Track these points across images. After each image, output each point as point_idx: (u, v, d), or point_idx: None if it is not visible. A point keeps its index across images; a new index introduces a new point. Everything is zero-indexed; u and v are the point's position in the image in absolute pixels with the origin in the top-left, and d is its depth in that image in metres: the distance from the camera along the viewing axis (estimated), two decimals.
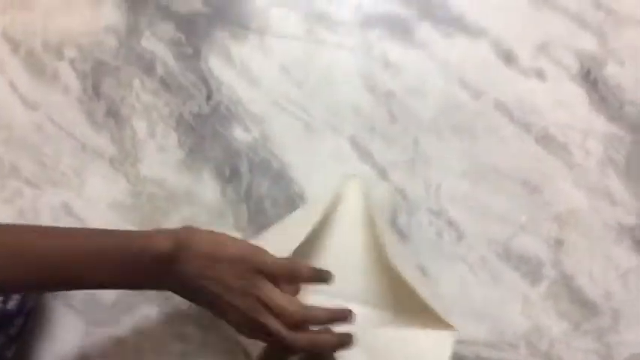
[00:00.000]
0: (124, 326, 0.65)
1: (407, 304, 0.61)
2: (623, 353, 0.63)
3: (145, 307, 0.65)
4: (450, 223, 0.66)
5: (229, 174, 0.68)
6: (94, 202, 0.68)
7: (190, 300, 0.54)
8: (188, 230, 0.53)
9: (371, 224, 0.63)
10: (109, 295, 0.65)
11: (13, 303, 0.58)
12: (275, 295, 0.52)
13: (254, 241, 0.56)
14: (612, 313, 0.63)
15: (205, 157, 0.69)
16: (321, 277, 0.54)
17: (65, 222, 0.68)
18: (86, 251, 0.50)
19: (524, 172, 0.67)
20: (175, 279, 0.52)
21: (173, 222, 0.67)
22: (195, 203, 0.68)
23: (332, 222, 0.64)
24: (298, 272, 0.54)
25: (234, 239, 0.54)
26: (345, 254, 0.64)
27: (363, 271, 0.64)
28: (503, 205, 0.66)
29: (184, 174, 0.69)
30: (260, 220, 0.67)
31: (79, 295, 0.65)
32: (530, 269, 0.64)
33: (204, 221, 0.67)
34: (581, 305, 0.63)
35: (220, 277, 0.51)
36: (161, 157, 0.69)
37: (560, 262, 0.65)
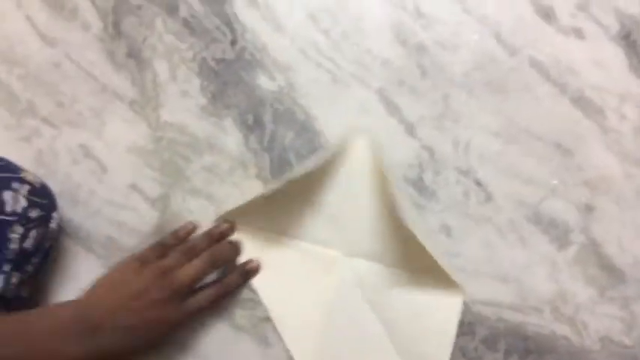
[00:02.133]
0: None
1: (415, 262, 0.61)
2: None
3: None
4: (478, 183, 0.64)
5: (252, 122, 0.66)
6: (114, 145, 0.67)
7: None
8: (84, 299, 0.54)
9: (381, 180, 0.62)
10: (128, 239, 0.64)
11: (30, 242, 0.56)
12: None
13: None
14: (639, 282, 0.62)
15: (228, 104, 0.67)
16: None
17: (85, 164, 0.66)
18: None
19: (557, 134, 0.64)
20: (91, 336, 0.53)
21: (194, 169, 0.66)
22: (216, 151, 0.66)
23: (341, 173, 0.63)
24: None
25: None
26: (351, 208, 0.63)
27: (370, 227, 0.63)
28: (534, 168, 0.64)
29: (206, 121, 0.67)
30: (283, 172, 0.65)
31: (99, 239, 0.64)
32: (558, 234, 0.63)
33: (225, 170, 0.66)
34: (608, 272, 0.62)
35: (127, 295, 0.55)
36: (183, 103, 0.67)
37: (589, 228, 0.63)
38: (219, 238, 0.62)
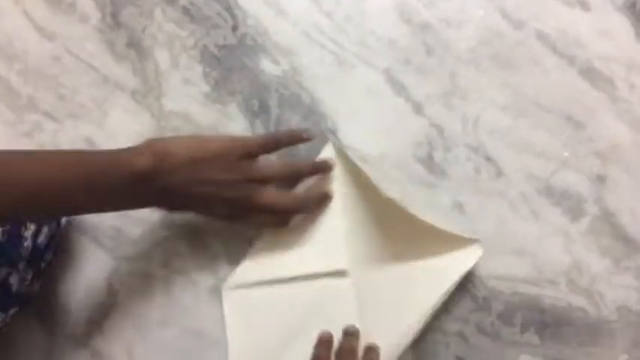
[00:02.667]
0: (152, 261, 0.63)
1: (425, 243, 0.60)
2: None
3: (174, 243, 0.63)
4: (489, 159, 0.64)
5: (258, 108, 0.66)
6: (117, 136, 0.66)
7: (181, 209, 0.56)
8: (163, 141, 0.52)
9: (357, 181, 0.61)
10: (135, 230, 0.63)
11: (42, 237, 0.56)
12: (264, 170, 0.57)
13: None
14: None
15: (232, 91, 0.66)
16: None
17: None
18: (71, 179, 0.48)
19: (566, 106, 0.64)
20: (162, 193, 0.52)
21: None
22: None
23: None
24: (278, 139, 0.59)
25: (213, 135, 0.55)
26: (359, 218, 0.62)
27: (379, 231, 0.62)
28: (544, 140, 0.64)
29: (210, 108, 0.66)
30: (291, 156, 0.64)
31: (106, 231, 0.63)
32: (571, 205, 0.62)
33: None
34: (622, 242, 0.62)
35: (209, 177, 0.52)
36: (185, 90, 0.66)
37: (602, 198, 0.63)
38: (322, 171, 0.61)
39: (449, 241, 0.59)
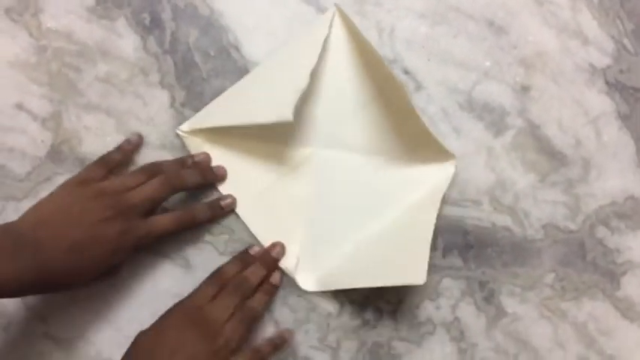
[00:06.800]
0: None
1: (407, 138, 0.56)
2: (591, 205, 0.58)
3: (65, 177, 0.57)
4: (407, 72, 0.58)
5: (149, 22, 0.58)
6: None
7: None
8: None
9: (361, 52, 0.56)
10: (21, 166, 0.57)
11: None
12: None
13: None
14: (582, 163, 0.58)
15: (119, 3, 0.59)
16: None
17: None
18: None
19: (488, 11, 0.59)
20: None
21: (88, 81, 0.58)
22: (111, 58, 0.58)
23: (320, 62, 0.55)
24: None
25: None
26: (340, 96, 0.57)
27: (361, 115, 0.57)
28: (465, 50, 0.58)
29: (96, 24, 0.58)
30: (191, 76, 0.57)
31: None
32: (494, 119, 0.58)
33: (124, 79, 0.58)
34: (548, 156, 0.58)
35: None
36: (66, 5, 0.59)
37: (526, 109, 0.58)
38: (192, 167, 0.55)
39: (429, 149, 0.55)
